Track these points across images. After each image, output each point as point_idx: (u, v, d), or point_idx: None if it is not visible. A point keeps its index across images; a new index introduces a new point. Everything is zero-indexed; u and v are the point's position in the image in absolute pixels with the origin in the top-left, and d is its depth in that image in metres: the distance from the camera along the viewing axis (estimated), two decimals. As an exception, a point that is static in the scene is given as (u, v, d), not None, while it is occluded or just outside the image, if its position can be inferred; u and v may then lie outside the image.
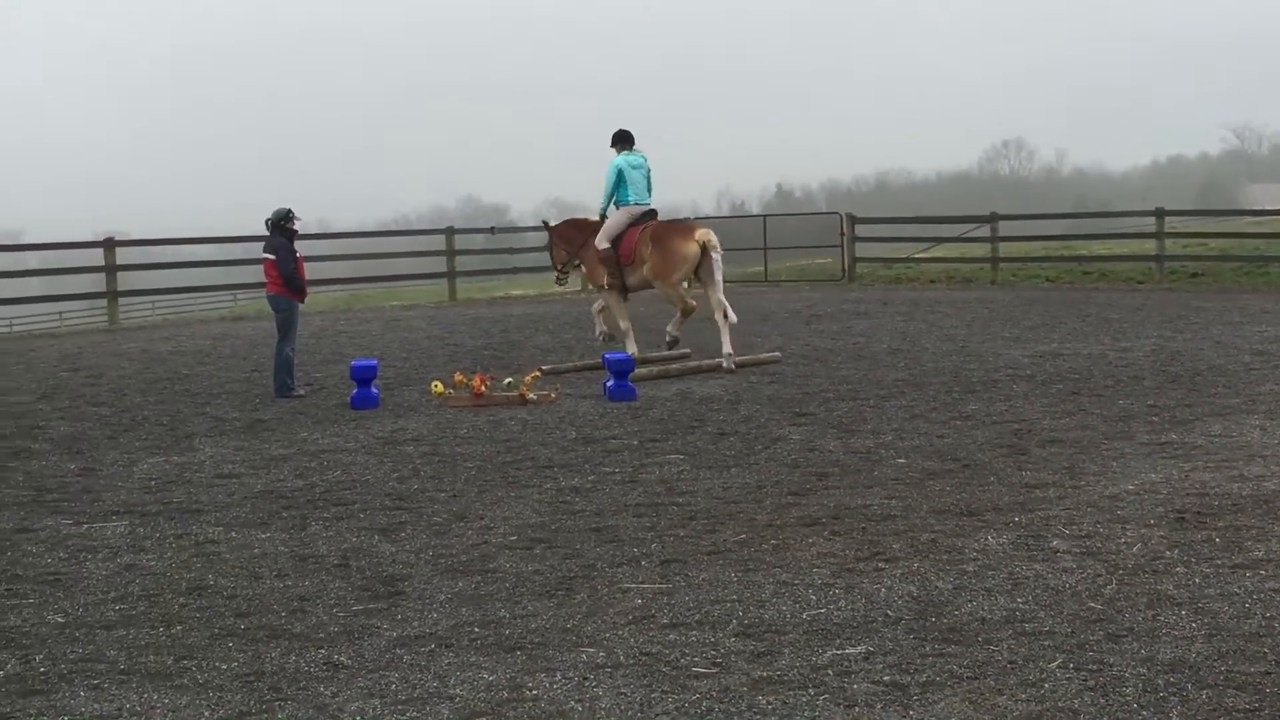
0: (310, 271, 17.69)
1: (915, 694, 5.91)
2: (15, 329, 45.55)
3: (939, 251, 34.57)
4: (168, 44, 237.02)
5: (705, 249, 17.30)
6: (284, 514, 9.89)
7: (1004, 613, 7.01)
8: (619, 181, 17.94)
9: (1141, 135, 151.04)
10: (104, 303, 28.94)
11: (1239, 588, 7.34)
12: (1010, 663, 6.25)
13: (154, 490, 10.91)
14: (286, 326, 16.19)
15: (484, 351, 19.70)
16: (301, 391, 15.99)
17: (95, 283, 29.34)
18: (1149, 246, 31.32)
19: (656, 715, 5.78)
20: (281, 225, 16.42)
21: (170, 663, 6.66)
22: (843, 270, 33.37)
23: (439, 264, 32.51)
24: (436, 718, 5.85)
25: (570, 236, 19.02)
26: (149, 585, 8.10)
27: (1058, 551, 8.18)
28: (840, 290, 30.76)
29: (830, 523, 9.06)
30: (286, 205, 16.57)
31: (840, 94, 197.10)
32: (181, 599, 7.79)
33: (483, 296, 34.11)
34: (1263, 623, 6.74)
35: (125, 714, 6.01)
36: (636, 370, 15.55)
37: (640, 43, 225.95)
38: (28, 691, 6.31)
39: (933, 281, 31.92)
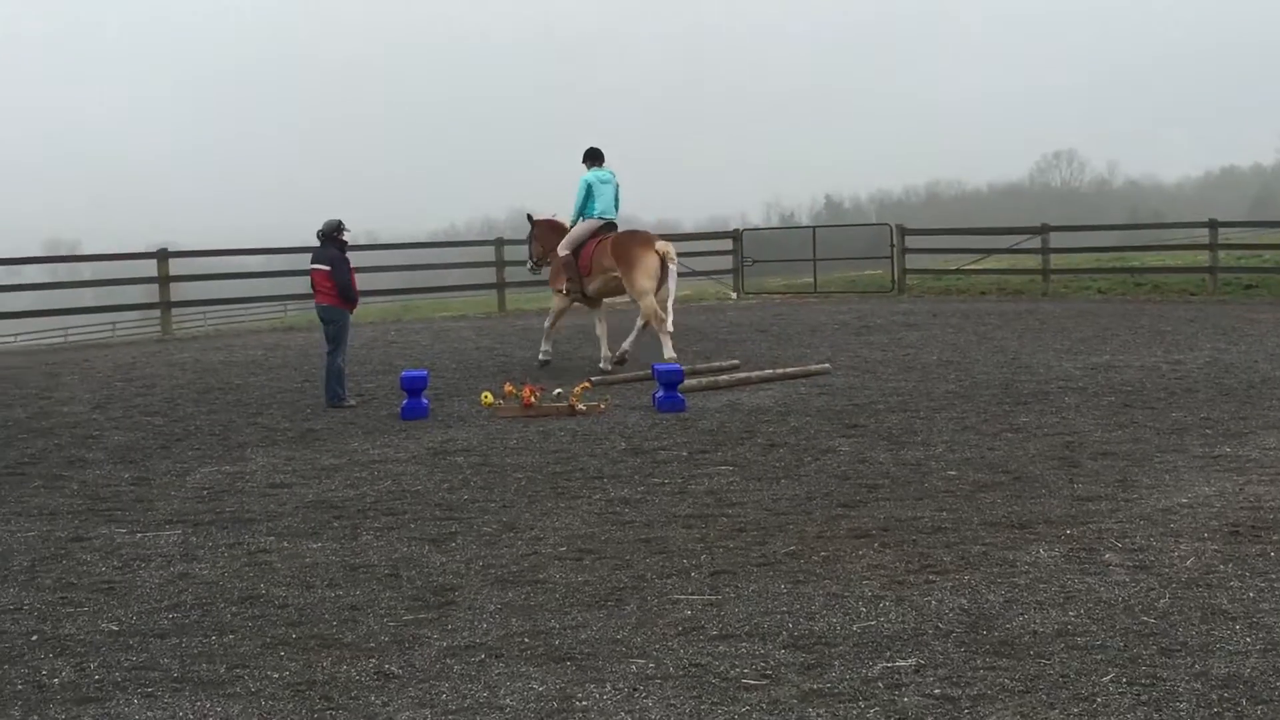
0: (360, 282, 17.79)
1: (966, 707, 5.88)
2: (70, 339, 46.02)
3: (989, 263, 34.39)
4: (226, 60, 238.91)
5: (664, 260, 18.21)
6: (335, 524, 9.94)
7: (1056, 626, 6.97)
8: (588, 195, 18.99)
9: (1195, 146, 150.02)
10: (157, 313, 29.17)
11: (1295, 602, 7.27)
12: (1062, 676, 6.21)
13: (206, 500, 10.99)
14: (339, 337, 16.31)
15: (533, 362, 19.72)
16: (352, 402, 16.08)
17: (148, 293, 29.56)
18: (1202, 258, 31.09)
19: (706, 727, 5.78)
20: (333, 237, 16.57)
21: (223, 671, 6.71)
22: (892, 282, 33.26)
23: (489, 275, 32.58)
24: (486, 728, 5.86)
25: (545, 237, 19.85)
26: (202, 594, 8.16)
27: (1110, 565, 8.12)
28: (890, 302, 30.65)
29: (880, 535, 9.03)
30: (337, 217, 16.72)
31: (890, 105, 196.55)
32: (234, 608, 7.85)
33: (532, 307, 34.16)
34: (1319, 638, 6.67)
35: (178, 722, 6.07)
36: (685, 382, 15.55)
37: (690, 56, 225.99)
38: (83, 699, 6.37)
39: (983, 293, 31.77)
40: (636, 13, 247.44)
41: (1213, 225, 30.40)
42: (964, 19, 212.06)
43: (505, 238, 31.56)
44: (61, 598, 8.17)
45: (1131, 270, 32.80)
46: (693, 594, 7.80)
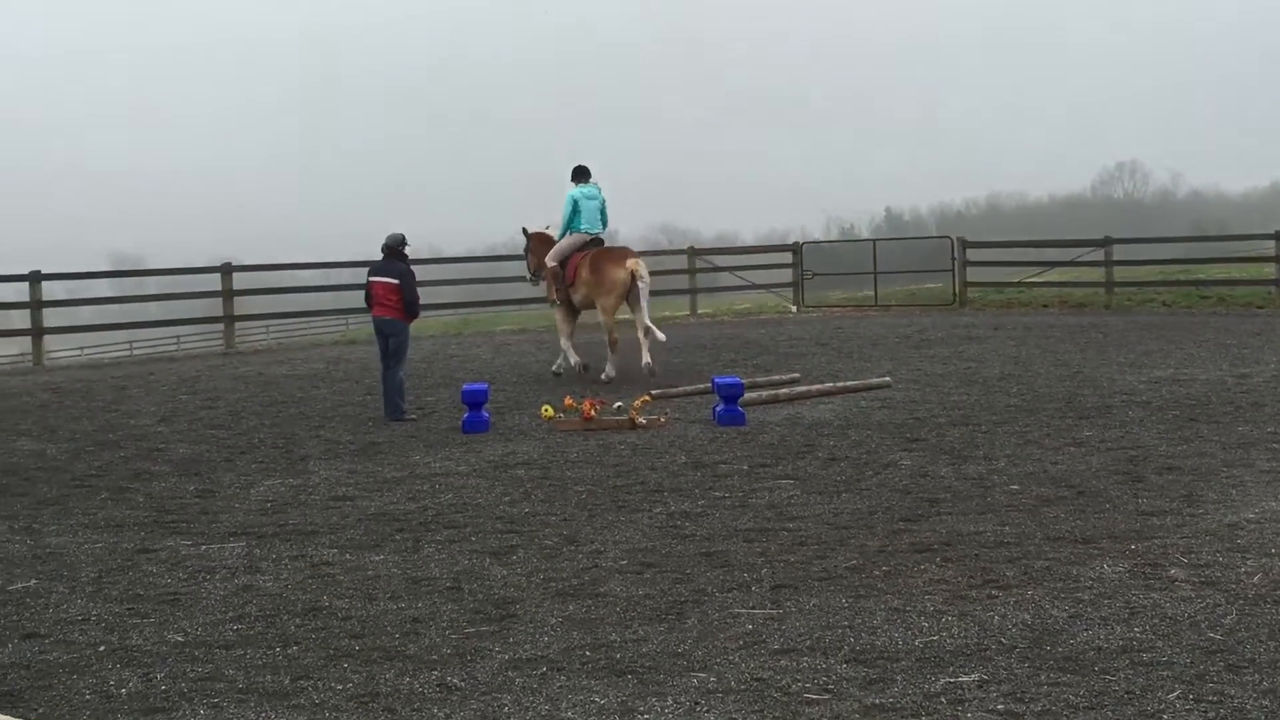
0: (421, 296, 17.93)
1: (1030, 723, 5.84)
2: (135, 353, 46.49)
3: (1051, 276, 34.17)
4: (283, 76, 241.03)
5: (634, 276, 19.15)
6: (397, 536, 10.00)
7: (1121, 642, 6.91)
8: (574, 211, 20.05)
9: (1260, 156, 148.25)
10: (220, 327, 29.45)
11: (1364, 619, 7.18)
12: (1127, 693, 6.15)
13: (270, 512, 11.08)
14: (400, 350, 16.45)
15: (593, 375, 19.76)
16: (413, 415, 16.17)
17: (212, 307, 29.85)
18: (1268, 270, 30.72)
19: (768, 741, 5.76)
20: (398, 250, 16.72)
21: (287, 682, 6.76)
22: (953, 295, 33.11)
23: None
24: (548, 740, 5.87)
25: (539, 250, 20.85)
26: (266, 606, 8.22)
27: (1176, 580, 8.05)
28: (951, 315, 30.52)
29: (942, 549, 8.98)
30: (399, 230, 16.87)
31: (950, 117, 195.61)
32: (297, 619, 7.90)
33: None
34: (1390, 655, 6.58)
35: (243, 732, 6.12)
36: (746, 395, 15.53)
37: (750, 68, 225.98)
38: (150, 709, 6.43)
39: (1045, 306, 31.57)
40: (693, 27, 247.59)
41: (1279, 237, 30.07)
42: (1024, 29, 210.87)
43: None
44: (128, 609, 8.26)
45: (1196, 283, 32.48)
46: (754, 608, 7.79)
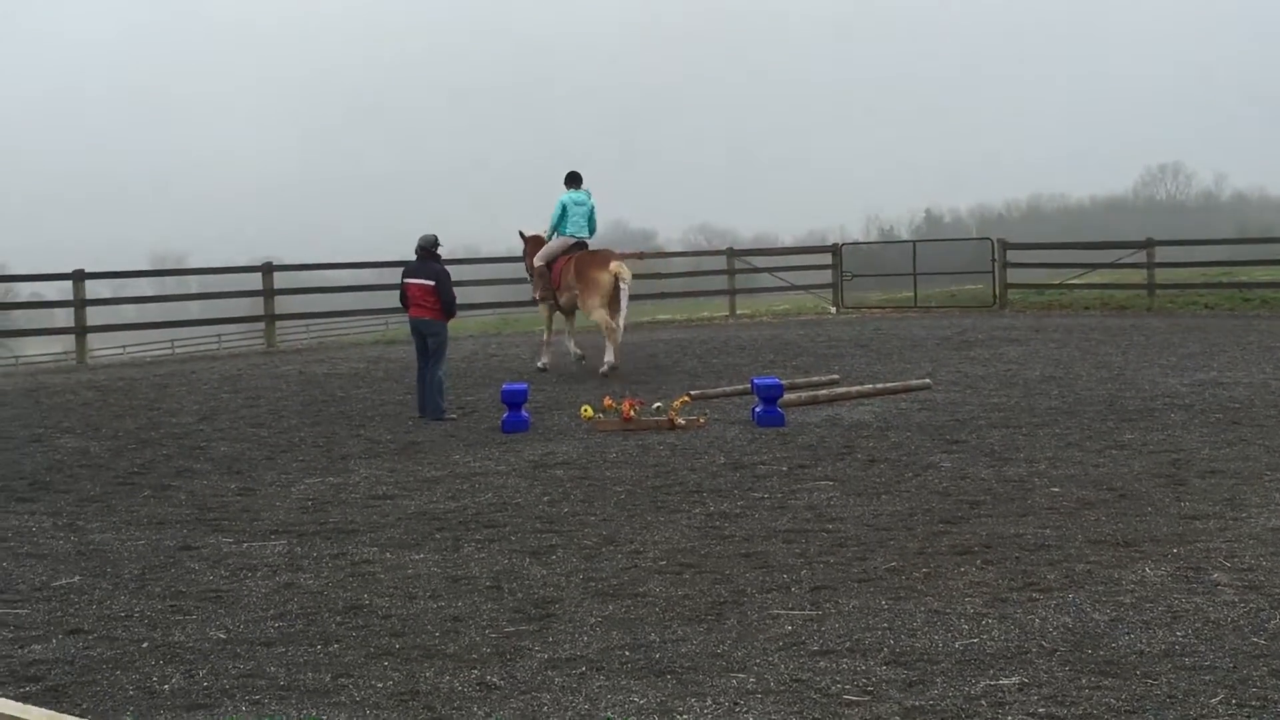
0: (458, 296, 18.05)
1: (1071, 727, 5.82)
2: (176, 351, 46.76)
3: (1093, 277, 33.99)
4: (321, 76, 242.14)
5: (617, 279, 19.96)
6: (437, 535, 10.03)
7: (1163, 646, 6.87)
8: (562, 215, 20.84)
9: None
10: (261, 325, 29.61)
11: None
12: (1169, 697, 6.12)
13: (311, 510, 11.13)
14: (441, 350, 16.51)
15: (632, 376, 19.79)
16: (453, 415, 16.22)
17: (253, 306, 30.03)
18: (1313, 273, 30.51)
19: (807, 742, 5.76)
20: (432, 251, 16.78)
21: (328, 680, 6.79)
22: (994, 296, 32.97)
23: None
24: (588, 740, 5.89)
25: (533, 252, 21.71)
26: (307, 604, 8.27)
27: (1218, 584, 8.00)
28: (991, 316, 30.40)
29: (983, 551, 8.95)
30: (433, 232, 16.93)
31: (990, 118, 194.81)
32: (338, 618, 7.94)
33: (629, 321, 34.24)
34: None
35: (285, 729, 6.15)
36: (785, 396, 15.51)
37: (789, 69, 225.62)
38: (192, 705, 6.47)
39: (1086, 308, 31.41)
40: (732, 25, 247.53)
41: (1323, 240, 29.84)
42: (1064, 30, 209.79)
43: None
44: (171, 606, 8.32)
45: (1240, 285, 32.25)
46: (793, 609, 7.78)
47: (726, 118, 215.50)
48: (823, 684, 6.46)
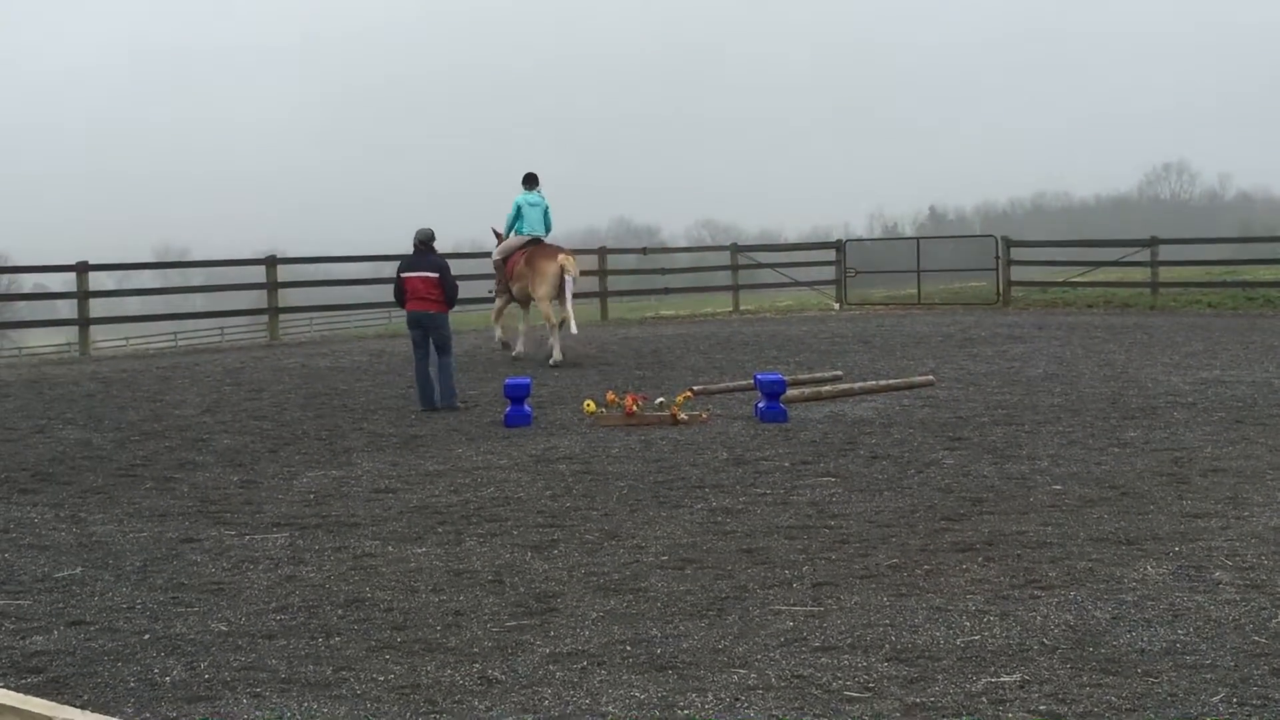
0: (463, 290, 18.18)
1: (1072, 725, 5.82)
2: (180, 344, 46.82)
3: (1096, 275, 33.98)
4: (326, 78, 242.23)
5: (563, 270, 21.07)
6: (439, 529, 10.04)
7: (1164, 644, 6.87)
8: (518, 215, 22.08)
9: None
10: (265, 318, 29.63)
11: None
12: (1170, 695, 6.12)
13: (313, 503, 11.14)
14: (448, 340, 16.71)
15: (635, 371, 19.79)
16: (462, 404, 16.35)
17: (257, 299, 30.04)
18: (1317, 272, 30.49)
19: (808, 738, 5.76)
20: (430, 244, 16.91)
21: (329, 673, 6.80)
22: (997, 294, 32.98)
23: (590, 284, 32.75)
24: (589, 734, 5.89)
25: None
26: (308, 596, 8.27)
27: (1220, 583, 7.99)
28: (995, 314, 30.39)
29: (984, 549, 8.95)
30: (428, 226, 17.07)
31: (996, 115, 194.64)
32: (340, 611, 7.94)
33: (633, 317, 34.27)
34: None
35: (286, 722, 6.15)
36: (788, 392, 15.51)
37: (795, 67, 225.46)
38: (193, 697, 6.48)
39: (1090, 306, 31.40)
40: (739, 28, 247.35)
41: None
42: (1070, 30, 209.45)
43: (608, 247, 31.69)
44: (173, 598, 8.33)
45: (1243, 284, 32.25)
46: (795, 605, 7.78)
47: (731, 114, 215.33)
48: (824, 680, 6.46)
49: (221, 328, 59.49)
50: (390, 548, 9.49)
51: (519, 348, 22.32)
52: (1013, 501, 10.42)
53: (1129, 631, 7.09)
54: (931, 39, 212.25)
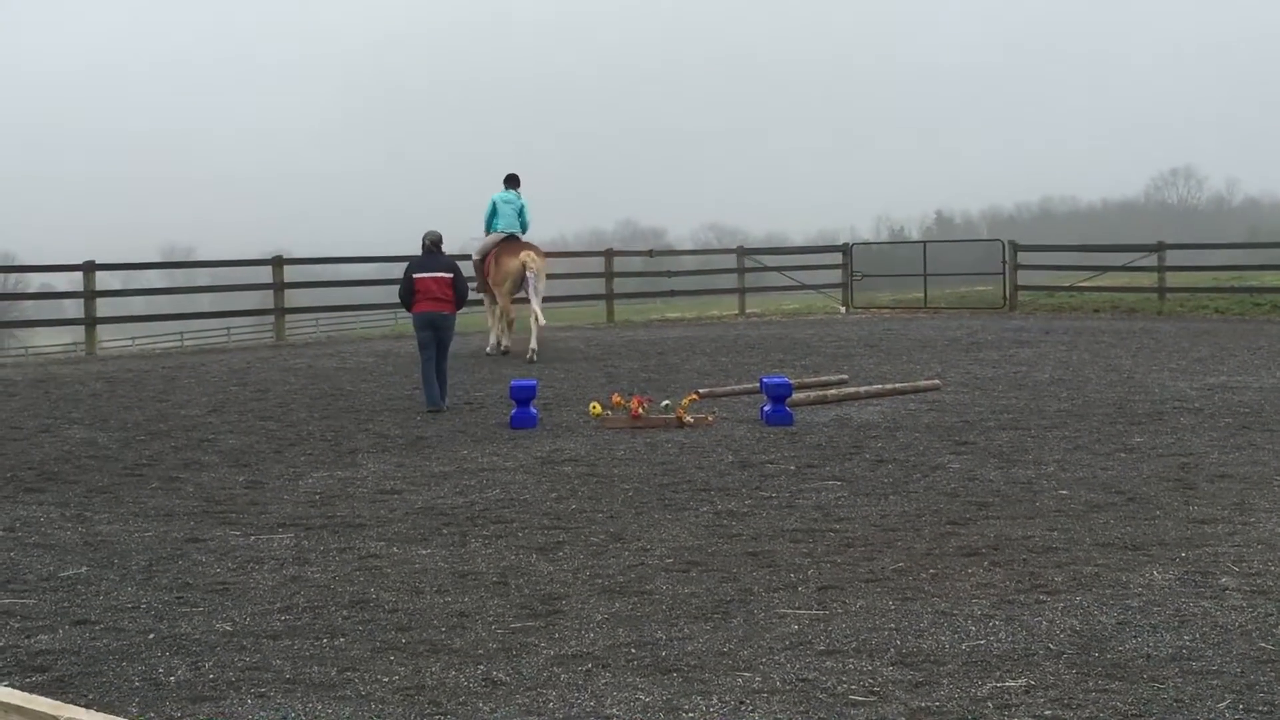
0: (470, 292, 18.26)
1: (1078, 730, 5.80)
2: (186, 343, 46.86)
3: (1103, 280, 33.95)
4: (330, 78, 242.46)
5: (524, 266, 21.98)
6: (444, 530, 10.03)
7: (1170, 650, 6.86)
8: (493, 212, 23.01)
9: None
10: (271, 318, 29.63)
11: None
12: (1176, 701, 6.10)
13: (318, 504, 11.14)
14: (449, 342, 16.75)
15: (641, 373, 19.79)
16: (445, 406, 16.39)
17: (263, 299, 30.04)
18: (1324, 278, 30.43)
19: (813, 742, 5.75)
20: (440, 247, 16.99)
21: (334, 674, 6.79)
22: (1004, 298, 32.95)
23: (597, 285, 32.77)
24: (593, 737, 5.88)
25: None
26: (313, 597, 8.27)
27: (1226, 589, 7.98)
28: (1001, 318, 30.37)
29: (990, 553, 8.94)
30: (436, 228, 17.21)
31: (1001, 120, 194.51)
32: (344, 611, 7.94)
33: (639, 319, 34.25)
34: None
35: (290, 722, 6.15)
36: (794, 395, 15.50)
37: (796, 69, 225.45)
38: (197, 697, 6.48)
39: (1096, 311, 31.36)
40: (748, 33, 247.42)
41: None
42: (1078, 33, 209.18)
43: (615, 249, 31.69)
44: (178, 597, 8.33)
45: (1250, 289, 32.21)
46: (800, 608, 7.78)
47: (737, 116, 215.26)
48: (829, 684, 6.45)
49: (228, 328, 59.53)
50: (395, 549, 9.49)
51: (505, 342, 22.99)
52: (1018, 506, 10.40)
53: (1135, 637, 7.08)
54: (939, 44, 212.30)
